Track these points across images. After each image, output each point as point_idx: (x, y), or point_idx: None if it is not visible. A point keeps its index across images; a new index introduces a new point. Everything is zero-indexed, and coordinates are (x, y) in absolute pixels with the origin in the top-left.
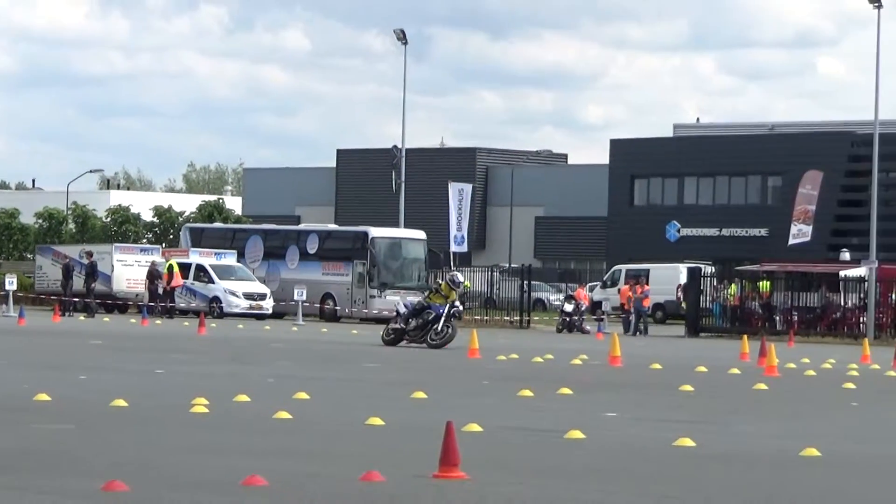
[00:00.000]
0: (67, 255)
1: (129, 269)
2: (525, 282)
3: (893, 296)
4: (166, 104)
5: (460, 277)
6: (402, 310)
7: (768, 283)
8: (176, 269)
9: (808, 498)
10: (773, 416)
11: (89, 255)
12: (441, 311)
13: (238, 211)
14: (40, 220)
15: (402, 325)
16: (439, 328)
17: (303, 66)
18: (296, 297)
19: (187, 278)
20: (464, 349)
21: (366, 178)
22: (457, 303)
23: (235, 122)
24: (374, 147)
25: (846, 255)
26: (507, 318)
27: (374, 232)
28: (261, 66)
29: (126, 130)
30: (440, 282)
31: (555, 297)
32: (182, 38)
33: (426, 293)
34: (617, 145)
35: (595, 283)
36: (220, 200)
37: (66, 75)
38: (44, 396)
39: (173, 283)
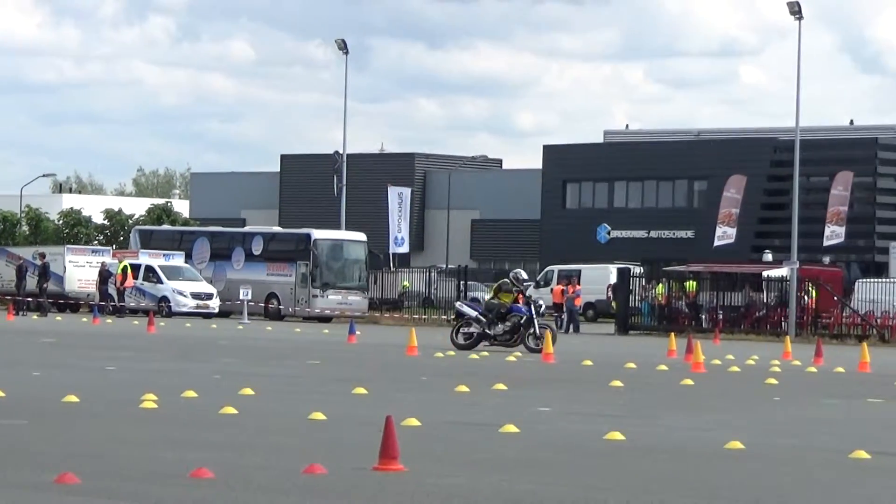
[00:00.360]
0: (21, 256)
1: (80, 270)
2: (462, 282)
3: (807, 296)
4: (116, 111)
5: (524, 274)
6: (470, 311)
7: (694, 282)
8: (129, 269)
9: (733, 488)
10: (699, 410)
11: (42, 256)
12: (529, 313)
13: (186, 214)
14: None
15: (484, 328)
16: (538, 332)
17: (248, 74)
18: (241, 297)
19: (137, 279)
20: (403, 346)
21: (308, 183)
22: (540, 301)
23: (183, 129)
24: (316, 152)
25: (769, 257)
26: (445, 316)
27: (317, 234)
28: (207, 75)
29: (77, 136)
30: (506, 280)
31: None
32: (131, 48)
33: (493, 294)
34: (549, 151)
35: (529, 283)
36: (169, 204)
37: (20, 83)
38: None
39: (126, 284)
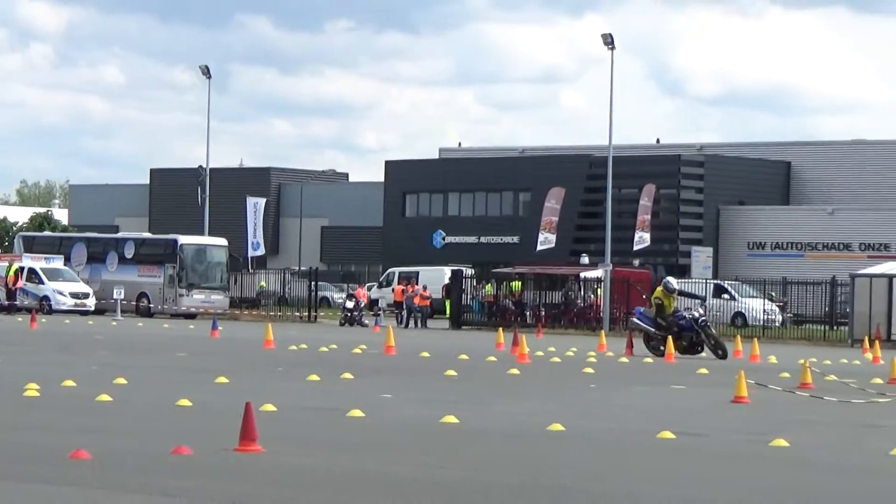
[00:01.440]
0: None
1: None
2: (313, 282)
3: (593, 295)
4: (2, 129)
5: (674, 284)
6: (648, 328)
7: (519, 283)
8: (21, 271)
9: (555, 466)
10: (524, 396)
11: None
12: (698, 321)
13: (65, 221)
14: None
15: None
16: (719, 341)
17: (120, 96)
18: (115, 296)
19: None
20: (260, 340)
21: (175, 193)
22: (696, 312)
23: (62, 145)
24: (182, 166)
25: (585, 260)
26: (298, 313)
27: (183, 239)
28: (84, 97)
29: None
30: (661, 290)
31: (338, 296)
32: (14, 73)
33: (656, 305)
34: (391, 165)
35: (373, 284)
36: (50, 212)
37: None
38: None
39: (17, 284)
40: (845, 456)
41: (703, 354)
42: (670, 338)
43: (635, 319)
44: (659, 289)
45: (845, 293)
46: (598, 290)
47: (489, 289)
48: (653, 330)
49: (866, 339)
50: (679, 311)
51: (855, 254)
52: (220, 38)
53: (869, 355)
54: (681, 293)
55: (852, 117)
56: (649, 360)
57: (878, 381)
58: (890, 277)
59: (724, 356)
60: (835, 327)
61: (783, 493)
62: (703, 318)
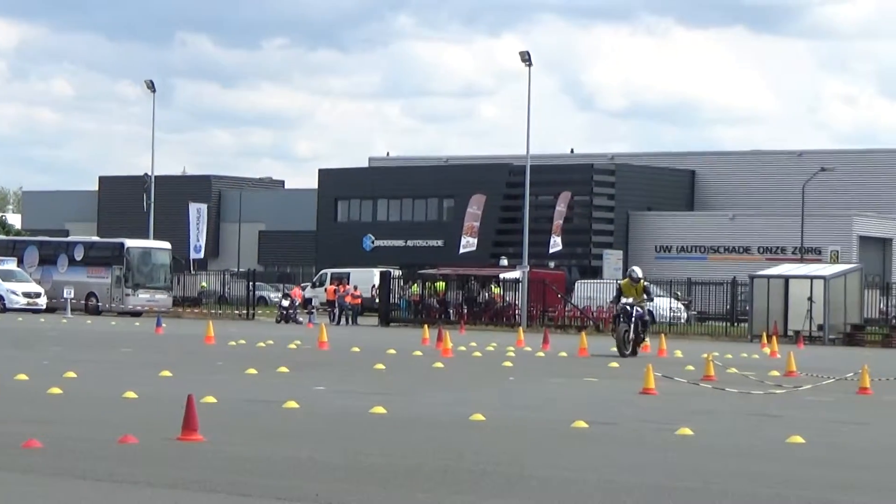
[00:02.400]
0: None
1: None
2: (251, 282)
3: (489, 293)
4: None
5: (638, 272)
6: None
7: (443, 283)
8: None
9: (477, 453)
10: (448, 388)
11: None
12: (633, 313)
13: (18, 225)
14: None
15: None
16: (627, 335)
17: (70, 108)
18: (65, 296)
19: None
20: (201, 337)
21: (122, 199)
22: (640, 308)
23: (15, 153)
24: (129, 174)
25: (504, 262)
26: (237, 311)
27: (129, 243)
28: (35, 109)
29: None
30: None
31: (274, 295)
32: None
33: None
34: (324, 173)
35: (307, 284)
36: (3, 217)
37: None
38: None
39: None
40: (745, 443)
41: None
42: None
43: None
44: (624, 281)
45: (745, 293)
46: (496, 288)
47: (415, 288)
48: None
49: (764, 334)
50: (630, 301)
51: (754, 256)
52: (163, 54)
53: (767, 350)
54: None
55: (750, 129)
56: (563, 354)
57: (776, 373)
58: (786, 278)
59: (629, 354)
60: (735, 324)
61: (689, 477)
62: (643, 314)
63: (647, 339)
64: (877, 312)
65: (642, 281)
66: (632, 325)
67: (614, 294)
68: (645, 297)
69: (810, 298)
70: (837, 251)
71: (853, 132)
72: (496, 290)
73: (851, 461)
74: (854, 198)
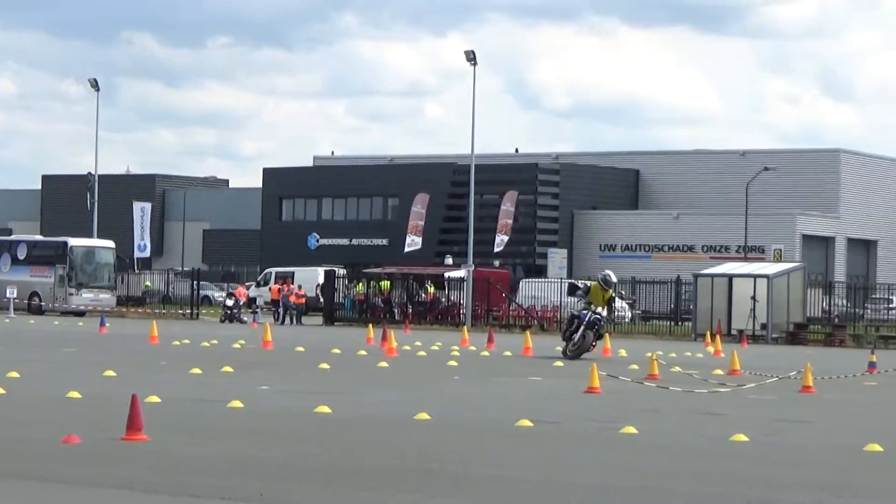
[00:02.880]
0: None
1: None
2: (195, 282)
3: (424, 292)
4: None
5: (613, 277)
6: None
7: (388, 282)
8: None
9: (421, 452)
10: (393, 387)
11: None
12: (585, 318)
13: None
14: None
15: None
16: (575, 338)
17: (13, 107)
18: (7, 295)
19: None
20: (146, 336)
21: (66, 198)
22: (600, 310)
23: None
24: (72, 173)
25: (449, 260)
26: (181, 311)
27: (72, 242)
28: None
29: None
30: (592, 283)
31: (219, 294)
32: None
33: (583, 298)
34: (268, 173)
35: (251, 283)
36: None
37: None
38: None
39: None
40: (689, 441)
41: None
42: (528, 332)
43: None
44: (593, 283)
45: (689, 291)
46: (430, 287)
47: (360, 287)
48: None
49: (708, 333)
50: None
51: (698, 255)
52: (107, 53)
53: (711, 349)
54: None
55: (694, 128)
56: (508, 353)
57: (719, 372)
58: (730, 277)
59: (572, 357)
60: (679, 323)
61: (633, 475)
62: (600, 320)
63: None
64: (819, 311)
65: (611, 291)
66: (585, 331)
67: (580, 292)
68: (604, 312)
69: (754, 297)
70: (781, 250)
71: (796, 132)
72: (431, 289)
73: (794, 459)
74: (797, 197)
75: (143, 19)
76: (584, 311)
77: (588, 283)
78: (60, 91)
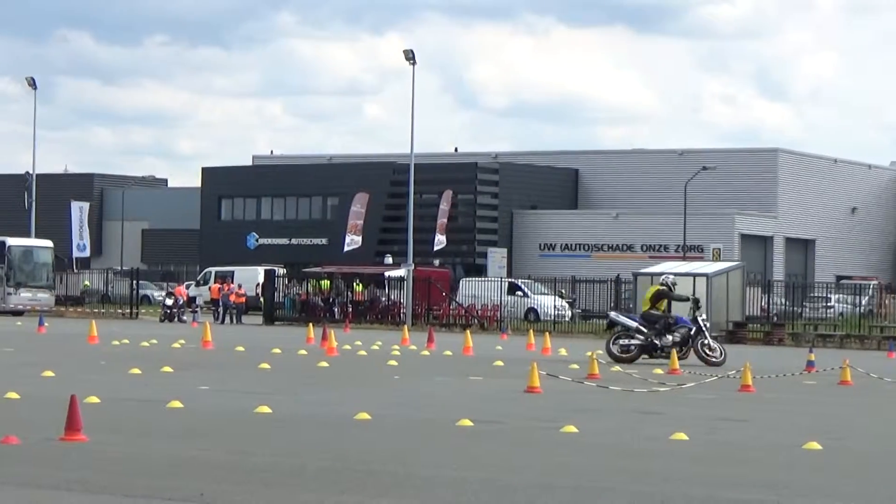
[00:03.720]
0: None
1: None
2: (134, 281)
3: (351, 291)
4: None
5: (671, 279)
6: (630, 323)
7: (328, 281)
8: None
9: (362, 452)
10: (333, 387)
11: None
12: (696, 324)
13: None
14: None
15: (650, 339)
16: (712, 344)
17: None
18: None
19: None
20: (84, 336)
21: (3, 198)
22: (698, 314)
23: None
24: (9, 172)
25: (389, 260)
26: (120, 310)
27: (10, 241)
28: None
29: None
30: (662, 288)
31: (158, 294)
32: None
33: (650, 304)
34: (207, 172)
35: (191, 282)
36: None
37: None
38: None
39: None
40: (629, 440)
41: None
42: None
43: (616, 315)
44: (656, 286)
45: (629, 290)
46: (357, 286)
47: (314, 286)
48: (635, 325)
49: None
50: (682, 316)
51: (637, 254)
52: (43, 51)
53: None
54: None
55: (632, 128)
56: (449, 353)
57: (659, 371)
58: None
59: (718, 364)
60: None
61: (574, 474)
62: (704, 319)
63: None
64: (758, 310)
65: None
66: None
67: (648, 307)
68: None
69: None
70: (719, 249)
71: (734, 131)
72: (358, 289)
73: (734, 458)
74: (735, 196)
75: (79, 17)
76: (684, 317)
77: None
78: None
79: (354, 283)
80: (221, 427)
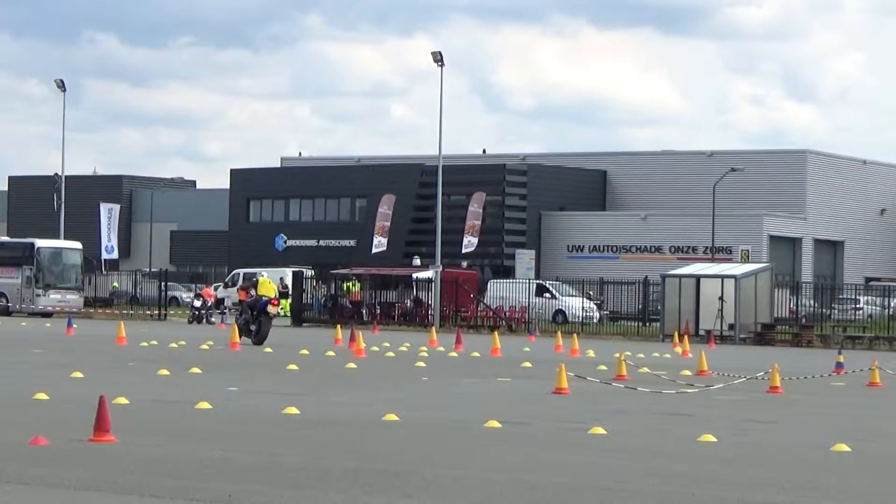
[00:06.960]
0: None
1: None
2: (162, 283)
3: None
4: None
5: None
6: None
7: (357, 283)
8: None
9: (389, 453)
10: (361, 388)
11: None
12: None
13: None
14: None
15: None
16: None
17: None
18: None
19: None
20: (113, 337)
21: (33, 199)
22: (266, 298)
23: None
24: (39, 174)
25: (417, 261)
26: (149, 311)
27: (40, 243)
28: None
29: None
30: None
31: (187, 295)
32: None
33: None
34: (235, 174)
35: (219, 284)
36: None
37: None
38: None
39: None
40: (657, 442)
41: None
42: None
43: None
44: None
45: (657, 292)
46: (354, 286)
47: (349, 287)
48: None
49: (676, 334)
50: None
51: (665, 256)
52: (71, 53)
53: (678, 349)
54: None
55: (660, 129)
56: (476, 354)
57: (687, 372)
58: (697, 278)
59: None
60: (647, 323)
61: (602, 476)
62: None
63: None
64: (787, 311)
65: None
66: None
67: None
68: None
69: (721, 298)
70: (748, 251)
71: (761, 133)
72: (355, 289)
73: (763, 459)
74: (764, 198)
75: (106, 19)
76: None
77: None
78: (24, 91)
79: (350, 283)
80: (250, 428)
